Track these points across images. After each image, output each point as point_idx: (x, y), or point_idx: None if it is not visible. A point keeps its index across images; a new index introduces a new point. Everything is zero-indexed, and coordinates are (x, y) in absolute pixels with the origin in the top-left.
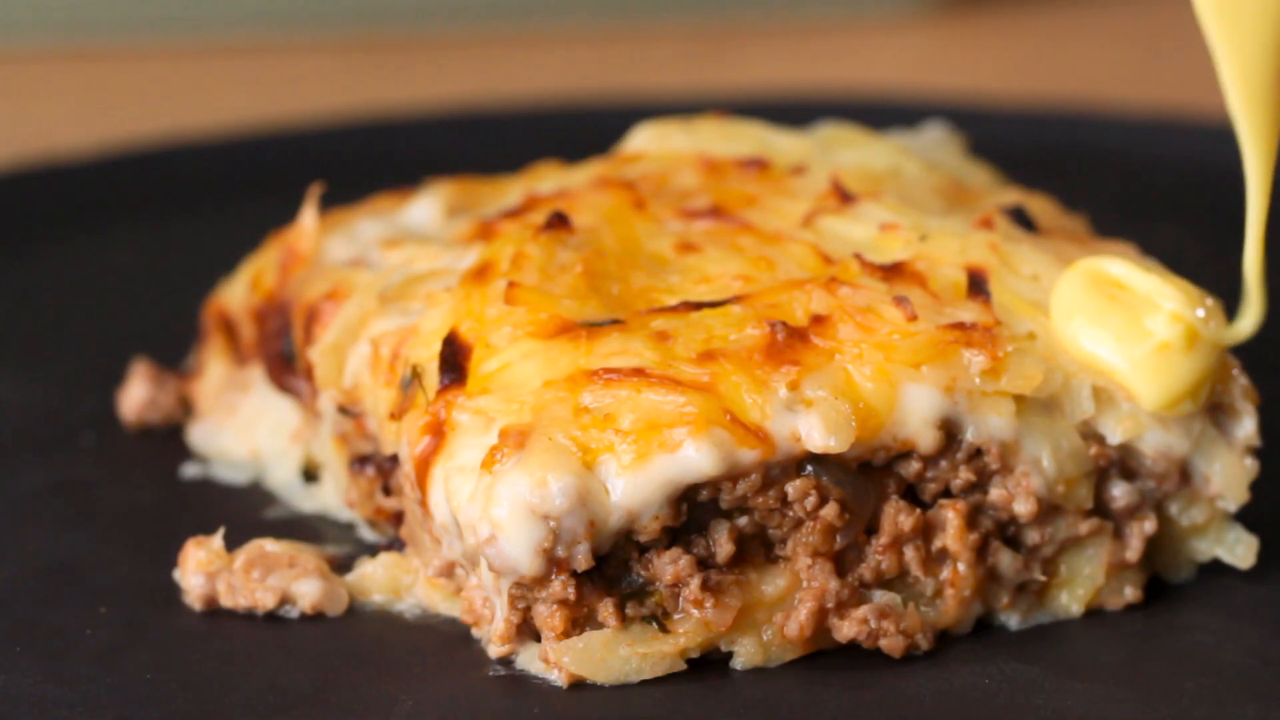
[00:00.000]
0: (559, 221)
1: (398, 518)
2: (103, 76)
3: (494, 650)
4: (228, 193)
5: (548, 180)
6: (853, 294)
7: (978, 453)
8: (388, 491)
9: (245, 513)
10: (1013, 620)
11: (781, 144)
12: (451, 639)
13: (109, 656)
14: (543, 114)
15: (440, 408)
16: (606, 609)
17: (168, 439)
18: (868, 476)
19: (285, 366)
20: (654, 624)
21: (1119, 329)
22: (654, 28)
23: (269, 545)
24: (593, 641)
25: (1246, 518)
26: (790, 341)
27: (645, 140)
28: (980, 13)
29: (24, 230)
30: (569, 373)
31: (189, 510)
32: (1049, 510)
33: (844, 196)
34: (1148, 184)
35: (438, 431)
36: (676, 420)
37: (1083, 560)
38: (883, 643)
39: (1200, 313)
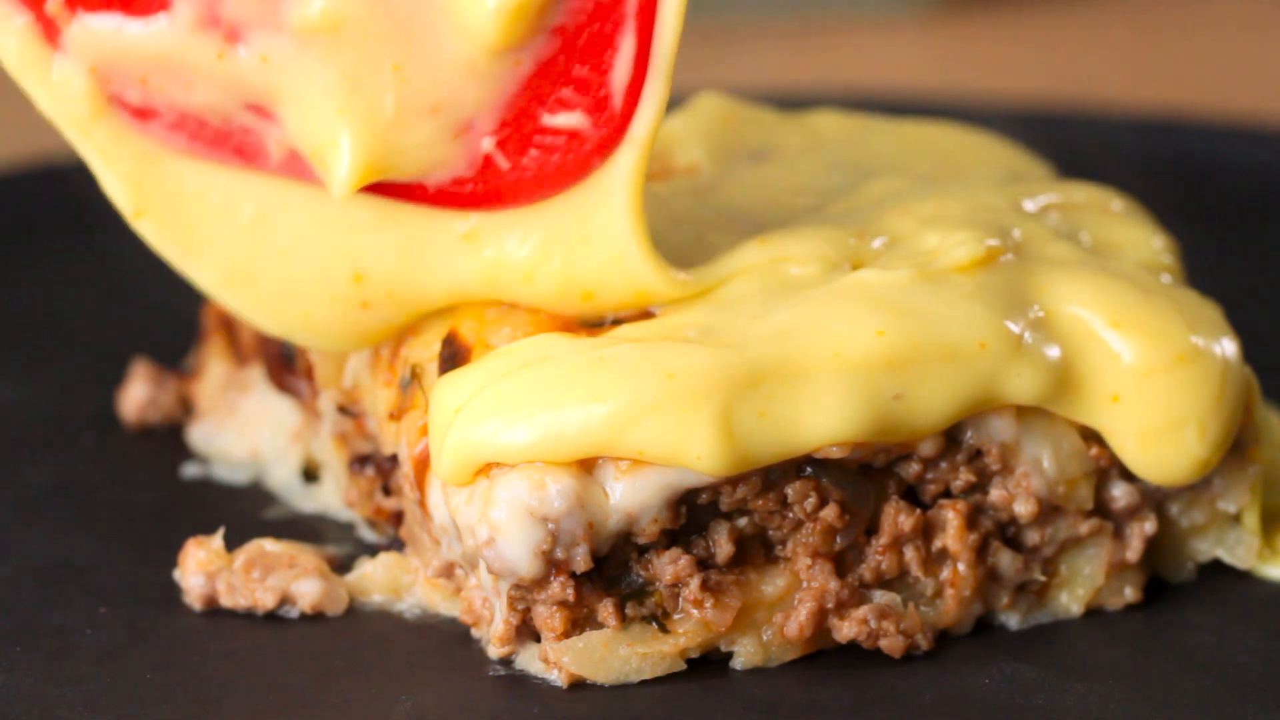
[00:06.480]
0: None
1: (397, 518)
2: None
3: (494, 651)
4: None
5: None
6: None
7: (978, 454)
8: (387, 491)
9: (245, 513)
10: (1013, 620)
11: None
12: (451, 639)
13: (109, 656)
14: None
15: None
16: (606, 609)
17: (168, 439)
18: (868, 478)
19: (285, 366)
20: (654, 624)
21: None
22: None
23: (269, 545)
24: (593, 641)
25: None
26: None
27: None
28: (980, 13)
29: (24, 230)
30: None
31: (189, 510)
32: (1049, 511)
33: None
34: (1147, 183)
35: None
36: None
37: (1083, 560)
38: (883, 643)
39: None
